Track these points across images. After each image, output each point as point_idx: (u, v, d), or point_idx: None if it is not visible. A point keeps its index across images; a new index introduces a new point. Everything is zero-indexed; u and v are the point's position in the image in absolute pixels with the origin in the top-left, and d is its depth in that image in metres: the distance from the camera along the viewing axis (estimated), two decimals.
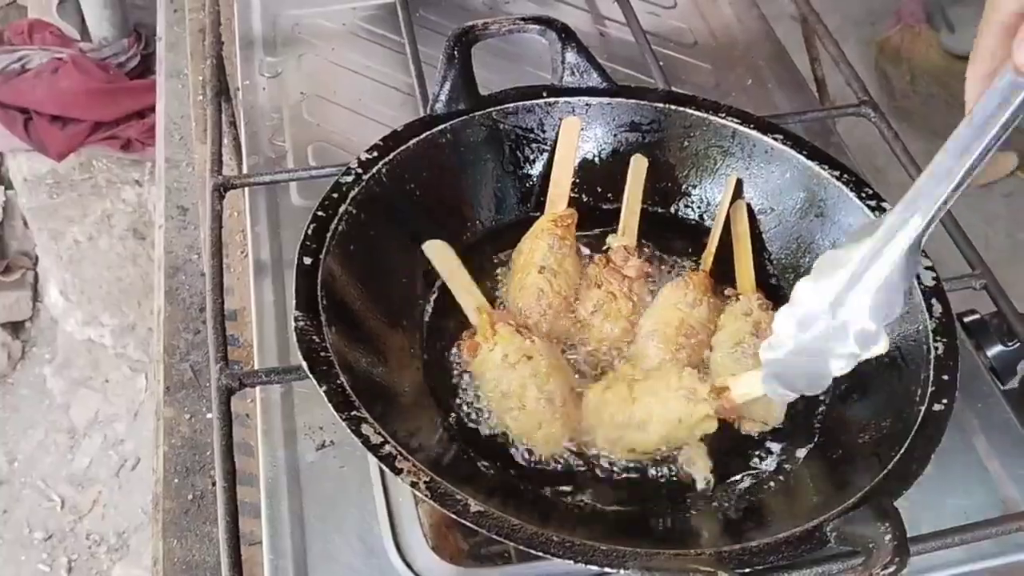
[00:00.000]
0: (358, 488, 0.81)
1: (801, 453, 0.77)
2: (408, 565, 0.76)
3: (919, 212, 0.62)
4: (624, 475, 0.77)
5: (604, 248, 0.89)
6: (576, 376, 0.82)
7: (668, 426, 0.75)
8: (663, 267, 0.90)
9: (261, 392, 0.86)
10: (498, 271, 0.90)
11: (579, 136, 0.92)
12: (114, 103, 2.23)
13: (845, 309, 0.66)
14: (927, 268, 0.80)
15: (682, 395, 0.74)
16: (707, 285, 0.84)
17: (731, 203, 0.91)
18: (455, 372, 0.82)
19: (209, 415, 1.11)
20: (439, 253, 0.86)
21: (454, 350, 0.83)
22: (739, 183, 0.91)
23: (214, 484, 1.08)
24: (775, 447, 0.78)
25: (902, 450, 0.68)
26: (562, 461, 0.77)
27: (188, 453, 1.09)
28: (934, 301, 0.77)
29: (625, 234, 0.88)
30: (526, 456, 0.77)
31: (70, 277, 2.43)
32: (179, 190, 1.35)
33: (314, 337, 0.71)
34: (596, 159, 0.94)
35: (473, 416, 0.79)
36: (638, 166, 0.91)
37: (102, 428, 2.40)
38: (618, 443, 0.76)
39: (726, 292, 0.87)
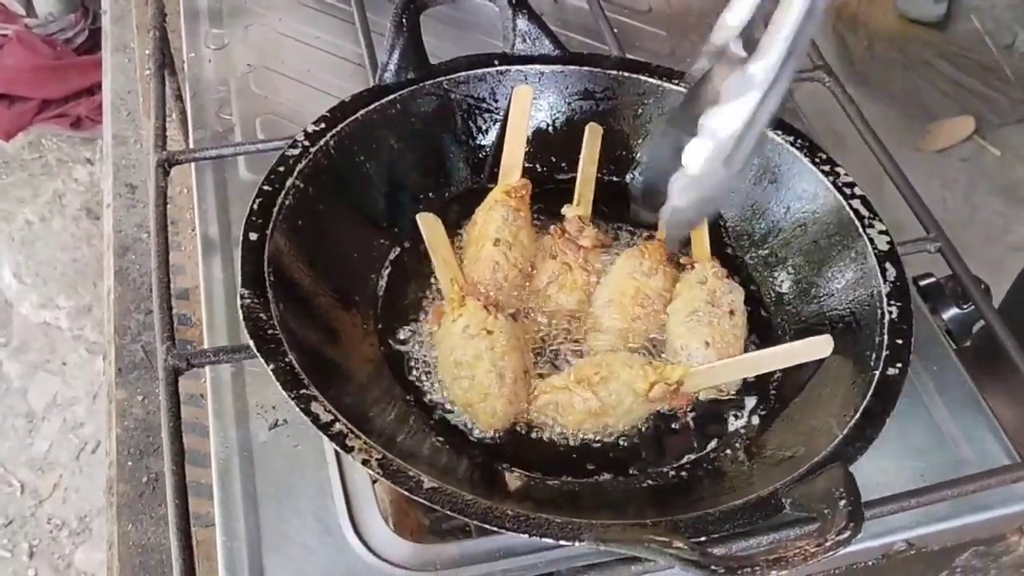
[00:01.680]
0: (313, 467, 0.79)
1: (756, 421, 0.77)
2: (364, 543, 0.75)
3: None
4: (581, 448, 0.76)
5: (559, 219, 0.88)
6: (531, 352, 0.81)
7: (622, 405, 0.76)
8: (619, 236, 0.89)
9: (211, 372, 0.84)
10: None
11: (531, 105, 0.90)
12: (62, 80, 2.18)
13: (736, 161, 0.65)
14: (881, 232, 0.79)
15: (633, 380, 0.75)
16: (662, 254, 0.84)
17: None
18: (411, 348, 0.81)
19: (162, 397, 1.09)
20: (429, 224, 0.84)
21: (409, 325, 0.82)
22: None
23: None
24: (732, 415, 0.78)
25: (857, 415, 0.68)
26: (518, 435, 0.76)
27: (141, 435, 1.07)
28: (888, 265, 0.77)
29: (580, 204, 0.87)
30: (481, 431, 0.76)
31: (23, 259, 2.38)
32: (127, 167, 1.31)
33: (261, 315, 0.70)
34: (550, 128, 0.93)
35: (429, 392, 0.78)
36: (593, 135, 0.90)
37: (61, 411, 2.37)
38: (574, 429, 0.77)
39: (681, 261, 0.86)
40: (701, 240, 0.85)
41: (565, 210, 0.88)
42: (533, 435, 0.76)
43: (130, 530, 1.00)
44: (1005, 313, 0.86)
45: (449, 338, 0.78)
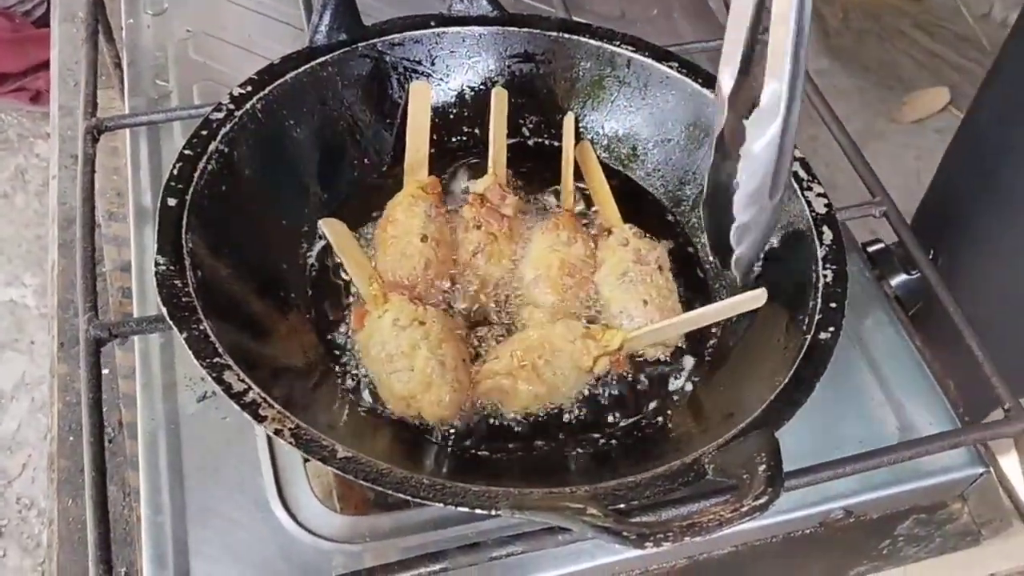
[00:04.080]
0: (241, 440, 0.77)
1: (689, 387, 0.76)
2: (292, 516, 0.74)
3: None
4: (512, 418, 0.74)
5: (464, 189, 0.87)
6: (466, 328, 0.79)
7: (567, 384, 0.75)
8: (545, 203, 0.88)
9: (140, 343, 0.82)
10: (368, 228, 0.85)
11: (431, 100, 0.88)
12: (21, 53, 2.13)
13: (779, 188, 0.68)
14: (819, 195, 0.78)
15: (578, 358, 0.74)
16: (575, 223, 0.82)
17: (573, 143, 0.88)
18: (339, 317, 0.79)
19: (105, 371, 1.07)
20: (333, 229, 0.81)
21: (339, 297, 0.80)
22: (576, 121, 0.89)
23: (110, 441, 1.04)
24: (665, 381, 0.77)
25: (785, 380, 0.66)
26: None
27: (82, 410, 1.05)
28: (825, 228, 0.75)
29: (495, 171, 0.84)
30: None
31: None
32: (73, 138, 1.28)
33: (176, 282, 0.68)
34: (488, 92, 0.90)
35: (357, 363, 0.76)
36: (499, 100, 0.88)
37: (29, 391, 2.34)
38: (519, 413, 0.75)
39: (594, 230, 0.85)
40: (608, 208, 0.84)
41: (475, 185, 0.85)
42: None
43: (70, 506, 0.98)
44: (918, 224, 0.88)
45: (378, 334, 0.74)
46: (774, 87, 0.62)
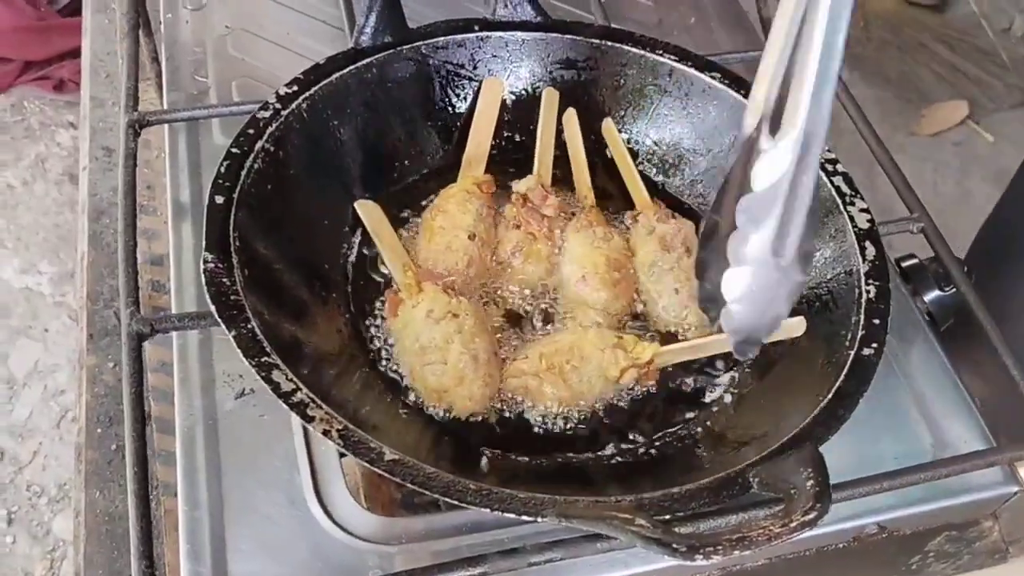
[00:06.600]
0: (279, 438, 0.78)
1: (728, 399, 0.76)
2: (329, 515, 0.74)
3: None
4: (551, 425, 0.75)
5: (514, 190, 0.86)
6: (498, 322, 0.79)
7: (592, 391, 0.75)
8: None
9: (178, 339, 0.83)
10: (406, 214, 0.86)
11: (501, 97, 0.88)
12: (46, 42, 2.14)
13: (787, 247, 0.54)
14: (862, 211, 0.78)
15: (606, 368, 0.74)
16: (602, 217, 0.83)
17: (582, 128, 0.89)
18: (380, 319, 0.79)
19: None
20: (368, 212, 0.82)
21: (380, 298, 0.80)
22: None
23: None
24: (704, 393, 0.77)
25: (829, 395, 0.67)
26: (489, 413, 0.75)
27: (111, 402, 1.05)
28: (867, 244, 0.76)
29: (540, 172, 0.85)
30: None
31: (5, 223, 2.35)
32: (104, 130, 1.29)
33: (224, 280, 0.68)
34: (530, 97, 0.91)
35: (398, 366, 0.77)
36: (550, 100, 0.88)
37: (42, 378, 2.35)
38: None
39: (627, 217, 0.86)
40: (636, 187, 0.84)
41: (518, 185, 0.85)
42: (504, 413, 0.75)
43: (98, 498, 0.99)
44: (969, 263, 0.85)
45: (411, 324, 0.75)
46: (790, 135, 0.51)
